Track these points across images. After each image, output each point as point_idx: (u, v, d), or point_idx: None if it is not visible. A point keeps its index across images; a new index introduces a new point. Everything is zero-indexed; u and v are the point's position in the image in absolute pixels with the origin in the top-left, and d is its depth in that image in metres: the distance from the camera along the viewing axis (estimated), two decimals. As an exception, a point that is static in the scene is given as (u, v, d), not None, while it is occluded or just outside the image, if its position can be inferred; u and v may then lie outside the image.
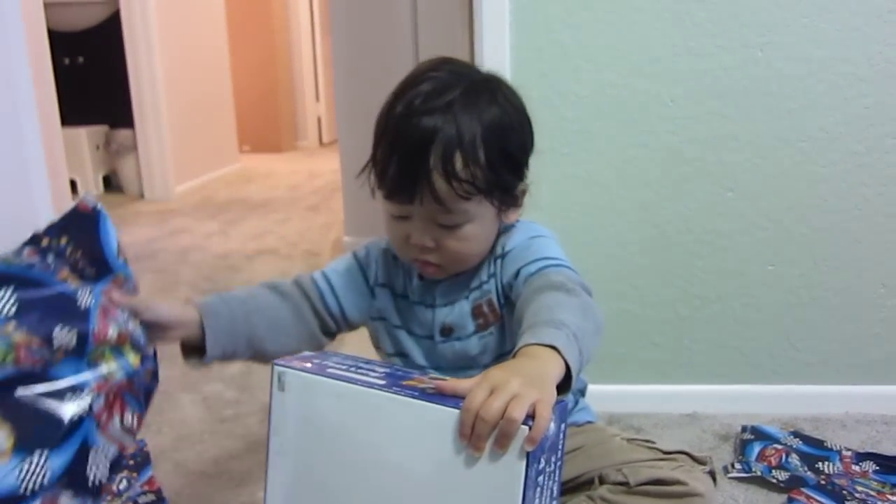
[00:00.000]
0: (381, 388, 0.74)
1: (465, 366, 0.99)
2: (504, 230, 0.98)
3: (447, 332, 0.99)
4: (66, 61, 4.65)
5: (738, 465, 1.25)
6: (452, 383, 0.70)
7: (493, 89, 0.91)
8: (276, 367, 0.81)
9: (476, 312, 0.98)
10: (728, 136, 1.36)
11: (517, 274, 0.92)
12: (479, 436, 0.64)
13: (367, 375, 0.78)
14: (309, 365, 0.81)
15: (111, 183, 4.89)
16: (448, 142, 0.84)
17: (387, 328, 1.05)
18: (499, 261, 0.97)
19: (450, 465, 0.68)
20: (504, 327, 0.98)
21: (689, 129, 1.36)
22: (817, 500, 1.13)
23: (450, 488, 0.69)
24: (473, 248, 0.93)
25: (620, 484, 1.00)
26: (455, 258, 0.92)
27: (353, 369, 0.80)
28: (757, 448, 1.29)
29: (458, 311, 0.98)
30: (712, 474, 1.03)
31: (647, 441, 1.07)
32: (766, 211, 1.39)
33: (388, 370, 0.81)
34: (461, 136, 0.84)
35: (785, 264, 1.41)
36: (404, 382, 0.76)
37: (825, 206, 1.38)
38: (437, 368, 1.01)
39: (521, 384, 0.65)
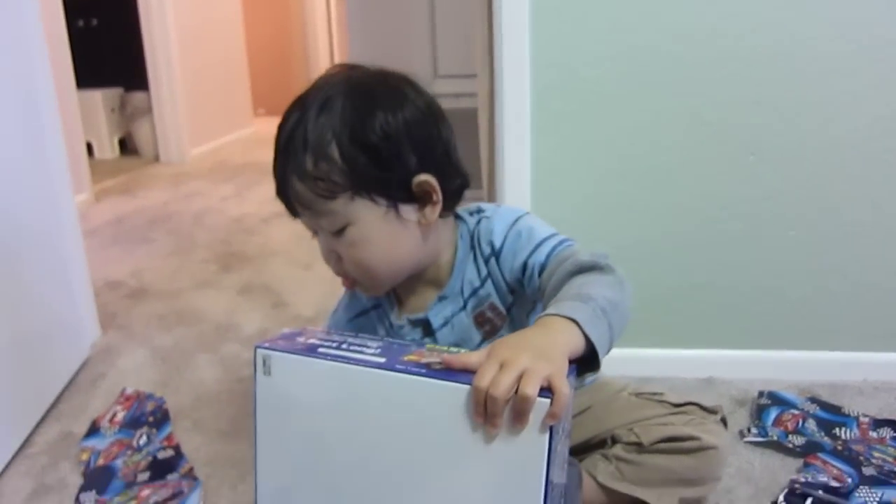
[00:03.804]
0: (382, 366, 0.70)
1: None
2: (479, 224, 0.93)
3: (455, 350, 0.95)
4: (80, 23, 4.63)
5: (754, 430, 1.25)
6: (461, 358, 0.67)
7: (368, 85, 0.85)
8: (258, 351, 0.75)
9: (479, 321, 0.94)
10: (751, 99, 1.34)
11: (524, 266, 0.88)
12: (493, 414, 0.62)
13: (361, 353, 0.73)
14: (296, 346, 0.76)
15: (126, 146, 4.90)
16: (298, 141, 0.82)
17: None
18: (491, 260, 0.91)
19: (465, 442, 0.65)
20: (514, 323, 0.94)
21: (711, 92, 1.34)
22: (833, 466, 1.13)
23: (466, 465, 0.67)
24: (372, 254, 0.86)
25: (633, 444, 1.00)
26: (358, 267, 0.87)
27: (343, 346, 0.75)
28: (774, 413, 1.29)
29: (460, 327, 0.94)
30: (724, 421, 1.03)
31: (656, 394, 1.07)
32: (788, 176, 1.37)
33: (382, 345, 0.76)
34: (308, 134, 0.81)
35: (806, 230, 1.39)
36: (405, 358, 0.72)
37: (849, 171, 1.36)
38: None
39: (531, 358, 0.63)
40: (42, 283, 1.48)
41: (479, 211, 0.95)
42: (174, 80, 4.45)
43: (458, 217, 0.95)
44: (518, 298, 0.93)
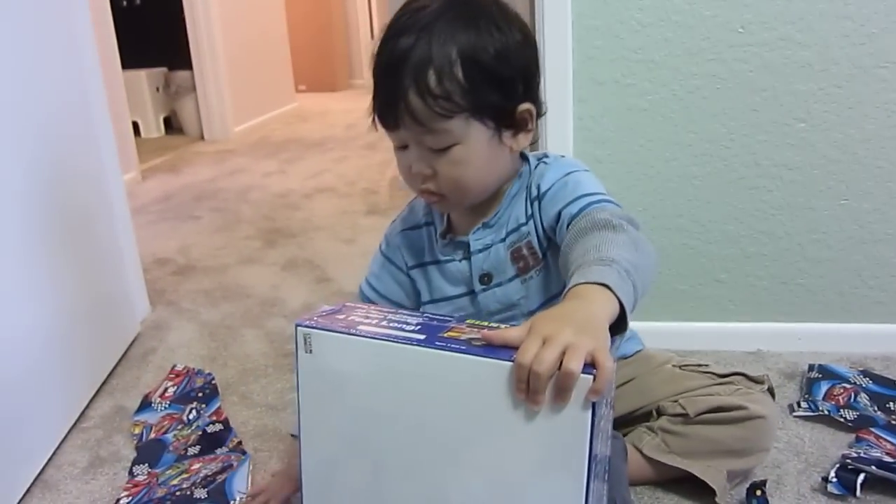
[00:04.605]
0: (422, 343, 0.69)
1: (510, 314, 0.97)
2: (535, 169, 0.95)
3: (486, 279, 0.96)
4: (124, 3, 4.69)
5: (804, 404, 1.22)
6: (501, 334, 0.66)
7: (478, 8, 0.87)
8: (299, 328, 0.75)
9: (515, 256, 0.95)
10: (801, 63, 1.29)
11: (559, 216, 0.89)
12: (535, 390, 0.61)
13: (401, 330, 0.72)
14: (336, 323, 0.75)
15: (171, 124, 4.97)
16: (420, 59, 0.82)
17: (423, 304, 1.04)
18: (535, 203, 0.93)
19: (507, 418, 0.65)
20: (549, 270, 0.95)
21: (760, 57, 1.30)
22: (886, 440, 1.10)
23: (509, 441, 0.66)
24: (471, 174, 0.88)
25: (679, 415, 1.00)
26: (453, 185, 0.88)
27: (384, 323, 0.75)
28: (824, 387, 1.26)
29: (495, 257, 0.95)
30: (771, 391, 1.01)
31: (700, 365, 1.06)
32: (840, 143, 1.33)
33: (421, 321, 0.75)
34: (433, 53, 0.82)
35: (858, 198, 1.35)
36: (445, 335, 0.71)
37: (904, 136, 1.31)
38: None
39: (574, 333, 0.62)
40: (93, 262, 1.51)
41: (545, 156, 0.97)
42: (217, 58, 4.49)
43: (522, 155, 0.97)
44: (552, 245, 0.94)
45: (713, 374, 1.03)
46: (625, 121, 1.36)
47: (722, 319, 1.45)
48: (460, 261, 0.98)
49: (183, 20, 4.35)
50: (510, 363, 0.63)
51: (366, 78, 7.71)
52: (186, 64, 4.54)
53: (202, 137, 4.69)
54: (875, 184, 1.34)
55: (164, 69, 4.84)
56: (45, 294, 1.28)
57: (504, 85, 0.86)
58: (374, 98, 0.87)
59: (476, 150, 0.87)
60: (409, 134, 0.86)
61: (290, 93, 5.94)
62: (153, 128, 4.78)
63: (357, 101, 6.43)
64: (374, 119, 0.89)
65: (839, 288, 1.41)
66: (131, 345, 1.65)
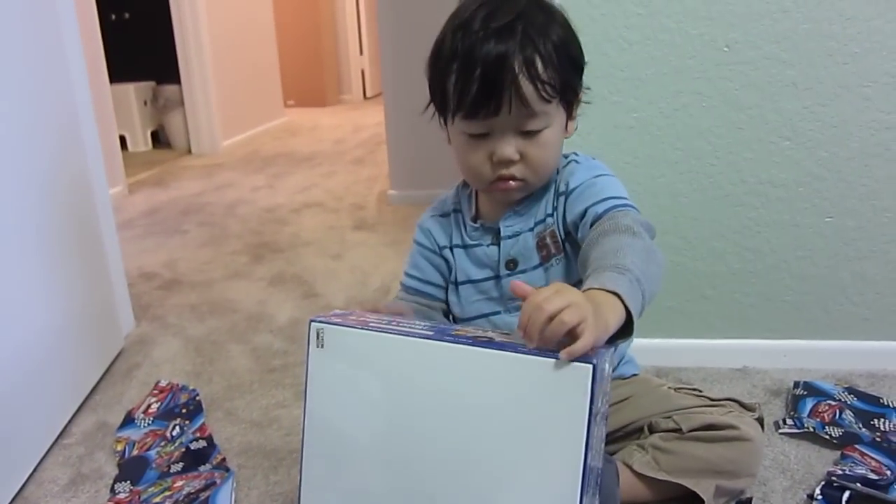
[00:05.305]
0: (431, 338, 0.74)
1: None
2: (565, 167, 1.01)
3: (512, 265, 1.02)
4: (113, 17, 4.69)
5: (789, 421, 1.22)
6: (520, 283, 0.73)
7: (546, 4, 0.96)
8: (313, 324, 0.81)
9: (540, 244, 1.01)
10: (786, 82, 1.31)
11: (584, 213, 0.94)
12: (534, 322, 0.68)
13: (412, 329, 0.78)
14: (348, 321, 0.81)
15: (159, 138, 4.96)
16: (528, 51, 0.89)
17: (449, 285, 1.10)
18: (562, 198, 0.99)
19: (510, 408, 0.69)
20: (568, 259, 1.00)
21: (746, 76, 1.31)
22: (872, 457, 1.10)
23: (510, 433, 0.70)
24: (551, 157, 0.96)
25: (672, 431, 1.00)
26: (537, 168, 0.95)
27: (393, 324, 0.80)
28: (810, 404, 1.27)
29: (523, 244, 1.01)
30: (760, 421, 1.03)
31: (694, 389, 1.08)
32: (825, 160, 1.34)
33: (429, 325, 0.81)
34: (536, 44, 0.89)
35: (843, 216, 1.36)
36: (453, 333, 0.76)
37: (888, 154, 1.32)
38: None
39: (583, 299, 0.69)
40: (78, 275, 1.50)
41: (575, 154, 1.04)
42: (206, 72, 4.49)
43: None
44: (570, 238, 1.00)
45: (706, 397, 1.05)
46: (611, 138, 1.36)
47: (708, 336, 1.46)
48: (488, 245, 1.04)
49: (171, 34, 4.35)
50: (514, 354, 0.69)
51: (354, 93, 7.74)
52: (175, 78, 4.54)
53: (190, 151, 4.68)
54: (859, 201, 1.35)
55: (153, 83, 4.83)
56: (28, 308, 1.26)
57: (581, 70, 0.97)
58: (466, 93, 0.90)
59: (557, 132, 0.96)
60: (509, 119, 0.91)
61: (278, 107, 5.95)
62: (141, 141, 4.77)
63: (346, 117, 6.45)
64: (450, 114, 0.94)
65: (825, 305, 1.42)
66: (115, 360, 1.63)
